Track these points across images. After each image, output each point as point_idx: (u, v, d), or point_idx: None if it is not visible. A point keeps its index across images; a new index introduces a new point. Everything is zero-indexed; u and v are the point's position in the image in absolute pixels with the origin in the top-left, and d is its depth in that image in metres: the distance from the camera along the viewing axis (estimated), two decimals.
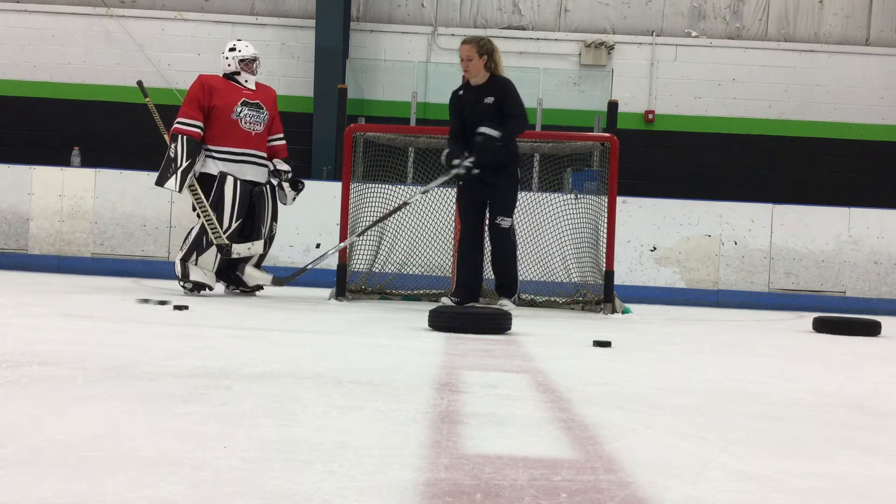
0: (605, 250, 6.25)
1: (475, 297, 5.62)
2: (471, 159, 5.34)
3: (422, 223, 6.91)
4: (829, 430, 1.89)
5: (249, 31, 10.51)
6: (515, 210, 5.69)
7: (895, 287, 8.46)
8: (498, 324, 3.87)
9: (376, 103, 10.41)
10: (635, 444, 1.63)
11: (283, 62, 10.49)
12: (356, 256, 6.53)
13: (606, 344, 3.44)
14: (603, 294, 6.12)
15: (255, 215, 5.99)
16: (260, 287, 6.15)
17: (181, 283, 5.83)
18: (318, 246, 8.27)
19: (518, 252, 5.71)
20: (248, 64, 6.01)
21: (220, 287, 6.17)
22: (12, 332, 3.01)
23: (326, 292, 6.29)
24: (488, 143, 5.29)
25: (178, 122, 5.81)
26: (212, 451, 1.40)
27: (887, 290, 8.45)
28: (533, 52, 10.52)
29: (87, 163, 9.46)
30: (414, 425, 1.69)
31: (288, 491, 1.20)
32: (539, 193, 7.22)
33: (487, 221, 5.58)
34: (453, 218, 6.95)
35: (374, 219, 6.19)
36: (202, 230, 5.77)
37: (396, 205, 6.01)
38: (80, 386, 1.98)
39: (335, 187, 7.28)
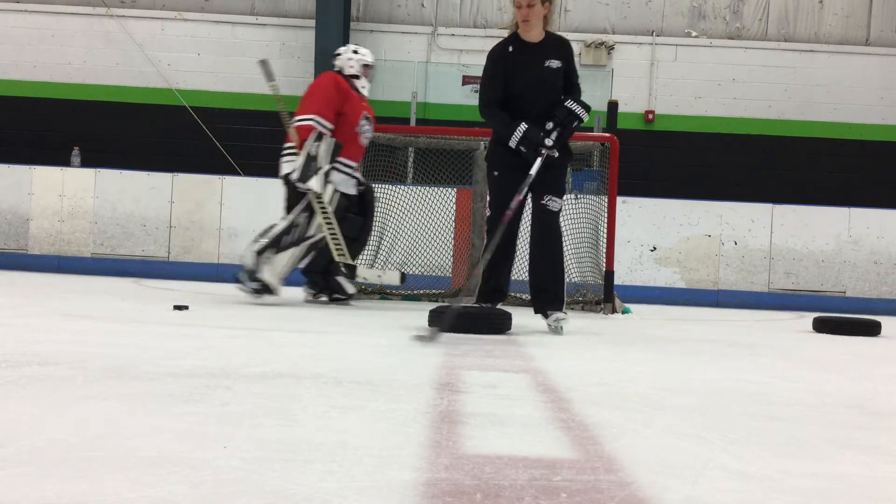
0: (605, 250, 6.26)
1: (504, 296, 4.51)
2: (553, 136, 4.13)
3: (422, 223, 6.91)
4: (829, 430, 1.89)
5: (249, 31, 10.52)
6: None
7: (895, 287, 8.46)
8: (498, 324, 3.87)
9: (376, 103, 10.39)
10: (635, 444, 1.63)
11: (283, 62, 10.48)
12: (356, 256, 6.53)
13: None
14: (603, 294, 6.12)
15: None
16: (353, 297, 5.70)
17: (244, 279, 5.24)
18: None
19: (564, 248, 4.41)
20: (368, 70, 5.71)
21: (279, 293, 5.50)
22: (12, 332, 3.01)
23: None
24: (573, 122, 4.17)
25: (315, 121, 5.30)
26: (212, 451, 1.40)
27: (887, 290, 8.44)
28: None
29: (87, 163, 9.46)
30: (414, 425, 1.69)
31: (288, 491, 1.20)
32: None
33: (530, 203, 4.33)
34: (453, 218, 6.95)
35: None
36: (286, 230, 5.25)
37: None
38: (80, 386, 1.98)
39: None
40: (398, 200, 6.89)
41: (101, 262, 8.55)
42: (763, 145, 10.47)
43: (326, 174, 5.20)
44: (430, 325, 3.92)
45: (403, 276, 5.37)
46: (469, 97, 10.21)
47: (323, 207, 5.23)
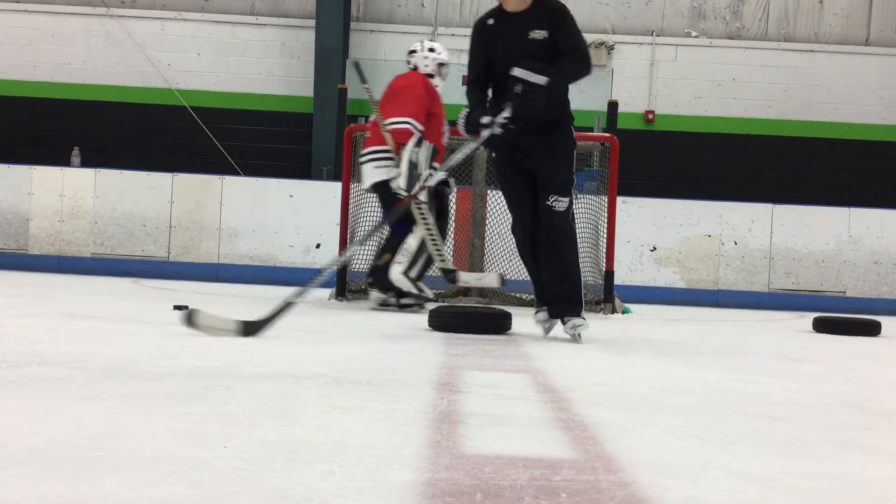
0: (605, 250, 6.26)
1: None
2: (505, 114, 3.71)
3: None
4: (829, 430, 1.89)
5: (249, 31, 10.52)
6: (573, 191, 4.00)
7: (895, 287, 8.46)
8: (498, 324, 3.87)
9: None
10: (635, 444, 1.63)
11: (283, 62, 10.49)
12: (356, 257, 6.52)
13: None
14: (603, 294, 6.12)
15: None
16: (428, 299, 5.51)
17: (396, 297, 5.26)
18: (318, 246, 8.27)
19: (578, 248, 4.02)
20: (442, 68, 5.59)
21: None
22: (12, 332, 3.01)
23: (326, 292, 6.29)
24: (531, 93, 3.65)
25: (411, 124, 5.17)
26: (212, 451, 1.40)
27: (887, 290, 8.44)
28: None
29: (87, 163, 9.46)
30: (414, 425, 1.69)
31: (288, 491, 1.20)
32: None
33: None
34: (454, 218, 6.95)
35: (371, 218, 6.17)
36: (422, 245, 5.16)
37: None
38: (80, 386, 1.98)
39: (335, 187, 7.27)
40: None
41: (101, 262, 8.54)
42: (763, 145, 10.46)
43: (426, 179, 5.02)
44: (430, 325, 3.92)
45: (503, 279, 5.21)
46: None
47: (424, 216, 5.15)
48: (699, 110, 10.52)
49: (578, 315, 3.78)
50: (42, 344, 2.75)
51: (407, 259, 5.17)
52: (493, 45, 3.89)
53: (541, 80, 3.63)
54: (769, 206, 8.57)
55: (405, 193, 4.88)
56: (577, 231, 4.06)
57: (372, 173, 5.32)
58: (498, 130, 3.73)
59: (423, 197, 5.01)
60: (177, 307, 4.42)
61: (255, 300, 5.75)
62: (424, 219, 5.11)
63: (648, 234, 8.40)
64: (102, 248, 8.62)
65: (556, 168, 3.85)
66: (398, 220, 5.05)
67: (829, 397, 2.43)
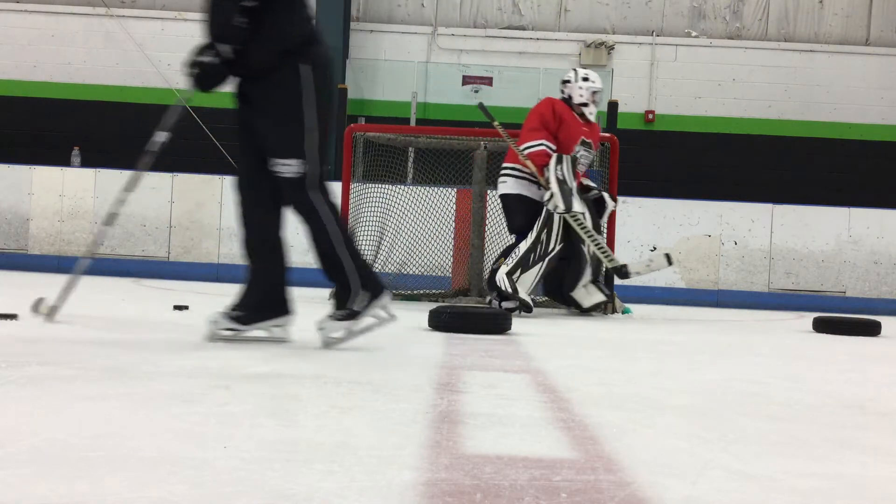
0: None
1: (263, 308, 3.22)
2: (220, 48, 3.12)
3: (422, 223, 6.91)
4: (829, 430, 1.89)
5: None
6: (308, 148, 3.04)
7: (895, 287, 8.46)
8: (498, 324, 3.87)
9: (376, 103, 10.41)
10: (635, 444, 1.63)
11: None
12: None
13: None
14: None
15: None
16: (599, 307, 5.72)
17: (497, 299, 5.42)
18: None
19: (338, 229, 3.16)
20: (596, 95, 5.75)
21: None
22: (12, 333, 3.01)
23: (326, 292, 6.29)
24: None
25: (546, 145, 5.47)
26: (212, 451, 1.40)
27: (887, 290, 8.44)
28: (533, 52, 10.52)
29: (87, 163, 9.46)
30: (414, 425, 1.69)
31: (288, 491, 1.20)
32: None
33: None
34: (453, 218, 6.95)
35: (371, 218, 6.17)
36: (532, 247, 5.40)
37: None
38: (80, 386, 1.98)
39: (335, 187, 7.27)
40: (398, 200, 6.88)
41: (101, 262, 8.54)
42: (763, 145, 10.46)
43: (573, 192, 5.39)
44: (430, 325, 3.92)
45: (670, 258, 5.66)
46: (469, 97, 10.21)
47: (582, 224, 5.42)
48: (699, 110, 10.52)
49: (345, 314, 3.04)
50: (42, 344, 2.75)
51: (513, 261, 5.41)
52: None
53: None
54: (769, 206, 8.57)
55: (563, 211, 5.29)
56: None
57: (503, 186, 5.70)
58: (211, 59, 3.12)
59: (578, 208, 5.33)
60: (177, 307, 4.42)
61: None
62: (584, 228, 5.42)
63: (648, 234, 8.40)
64: (102, 248, 8.61)
65: (269, 122, 3.07)
66: (519, 228, 5.53)
67: (829, 397, 2.43)
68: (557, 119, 5.55)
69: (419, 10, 10.64)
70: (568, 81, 5.76)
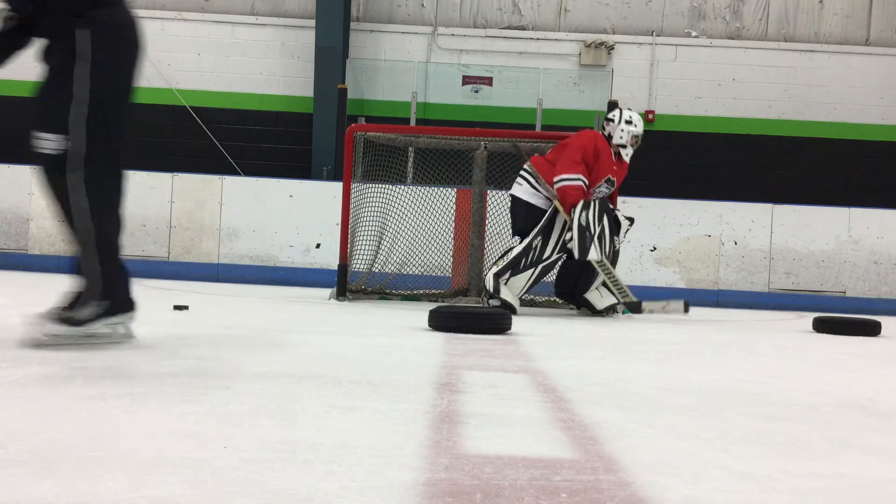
0: None
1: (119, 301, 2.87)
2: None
3: (422, 223, 6.91)
4: (829, 430, 1.89)
5: (249, 31, 10.51)
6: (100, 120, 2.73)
7: (895, 287, 8.46)
8: (498, 324, 3.87)
9: (376, 103, 10.40)
10: (635, 444, 1.63)
11: (283, 62, 10.49)
12: (356, 256, 6.53)
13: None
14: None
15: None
16: (613, 309, 5.79)
17: (486, 298, 5.57)
18: (317, 246, 8.27)
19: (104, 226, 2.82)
20: (636, 139, 5.78)
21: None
22: (12, 332, 3.01)
23: (326, 292, 6.29)
24: None
25: (583, 182, 5.52)
26: (212, 451, 1.40)
27: (887, 290, 8.44)
28: (533, 52, 10.52)
29: None
30: (414, 425, 1.69)
31: (288, 491, 1.20)
32: None
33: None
34: (453, 218, 6.96)
35: (371, 218, 6.16)
36: (524, 252, 5.50)
37: None
38: (80, 386, 1.98)
39: (335, 187, 7.28)
40: (398, 200, 6.89)
41: None
42: (763, 145, 10.46)
43: (601, 234, 5.49)
44: (430, 325, 3.92)
45: (687, 306, 5.78)
46: (469, 97, 10.21)
47: (604, 266, 5.54)
48: (699, 110, 10.52)
49: (67, 318, 2.67)
50: (42, 343, 2.74)
51: (503, 263, 5.51)
52: None
53: None
54: (769, 206, 8.57)
55: (582, 259, 5.38)
56: None
57: (517, 187, 5.75)
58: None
59: (595, 256, 5.39)
60: (177, 307, 4.42)
61: (255, 301, 5.75)
62: (604, 268, 5.54)
63: (648, 234, 8.40)
64: None
65: (37, 92, 2.81)
66: (520, 232, 5.61)
67: (829, 397, 2.43)
68: (594, 156, 5.63)
69: (419, 10, 10.64)
70: (611, 121, 5.80)
